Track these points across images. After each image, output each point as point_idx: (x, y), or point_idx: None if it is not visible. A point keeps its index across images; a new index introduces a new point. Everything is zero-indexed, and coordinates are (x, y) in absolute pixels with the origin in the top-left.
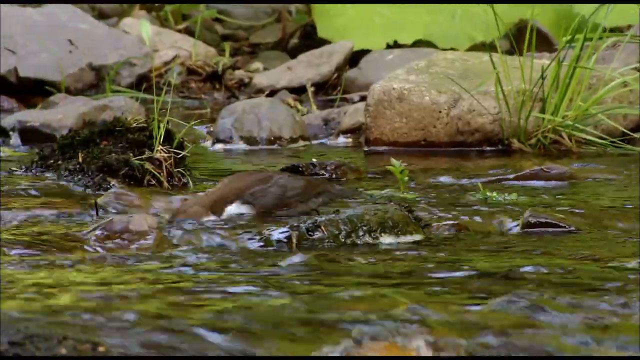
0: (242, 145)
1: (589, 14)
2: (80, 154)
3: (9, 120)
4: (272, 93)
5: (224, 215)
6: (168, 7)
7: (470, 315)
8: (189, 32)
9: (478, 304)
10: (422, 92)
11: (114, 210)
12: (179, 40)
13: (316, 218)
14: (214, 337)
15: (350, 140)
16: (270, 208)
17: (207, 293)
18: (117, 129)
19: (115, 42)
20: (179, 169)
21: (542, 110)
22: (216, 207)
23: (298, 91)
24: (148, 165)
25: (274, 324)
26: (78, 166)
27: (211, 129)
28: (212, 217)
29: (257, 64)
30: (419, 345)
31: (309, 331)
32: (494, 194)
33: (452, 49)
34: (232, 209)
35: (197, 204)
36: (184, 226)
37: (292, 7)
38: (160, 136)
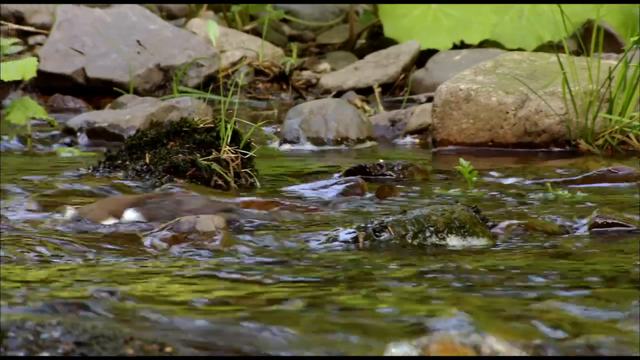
0: (309, 146)
1: None
2: (147, 155)
3: (76, 121)
4: (339, 94)
5: (124, 219)
6: (235, 8)
7: (532, 313)
8: (256, 32)
9: (540, 302)
10: (489, 92)
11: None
12: (246, 41)
13: (383, 219)
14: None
15: (417, 141)
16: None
17: (283, 289)
18: (184, 129)
19: (183, 43)
20: (246, 170)
21: (610, 111)
22: (116, 211)
23: (365, 92)
24: (215, 166)
25: (347, 322)
26: (145, 167)
27: (278, 130)
28: (112, 221)
29: (324, 65)
30: (489, 344)
31: (384, 328)
32: (562, 194)
33: (519, 49)
34: (128, 214)
35: (99, 207)
36: (247, 227)
37: (360, 7)
38: (228, 137)
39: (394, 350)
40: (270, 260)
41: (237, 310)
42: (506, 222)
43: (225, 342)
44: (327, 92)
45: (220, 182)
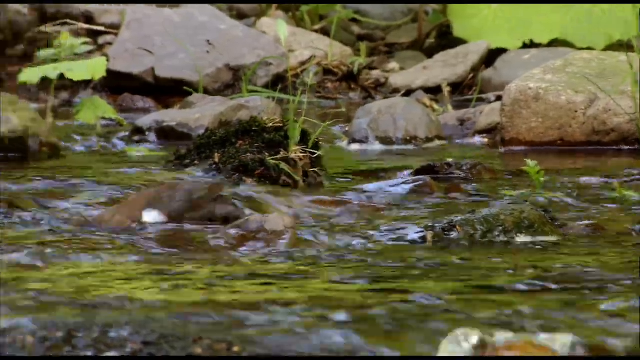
0: (377, 145)
1: None
2: (216, 154)
3: (145, 120)
4: (408, 93)
5: (144, 221)
6: (304, 8)
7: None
8: (325, 32)
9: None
10: (558, 91)
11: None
12: (315, 40)
13: (452, 218)
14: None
15: (486, 140)
16: (182, 212)
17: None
18: (253, 128)
19: (253, 42)
20: (315, 169)
21: None
22: (133, 215)
23: (434, 91)
24: (283, 165)
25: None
26: (214, 166)
27: (347, 129)
28: (133, 225)
29: (393, 64)
30: (564, 343)
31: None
32: (631, 193)
33: (588, 48)
34: (146, 215)
35: (118, 212)
36: (316, 226)
37: (429, 7)
38: (296, 136)
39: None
40: (338, 259)
41: (307, 310)
42: (576, 222)
43: (295, 344)
44: (395, 91)
45: (288, 181)
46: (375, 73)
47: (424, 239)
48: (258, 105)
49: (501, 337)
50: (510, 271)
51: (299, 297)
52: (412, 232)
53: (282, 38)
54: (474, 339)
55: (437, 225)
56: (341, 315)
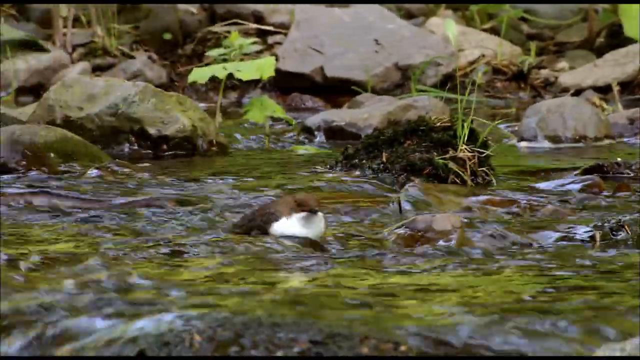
0: (546, 144)
1: None
2: (384, 153)
3: (314, 120)
4: (577, 92)
5: None
6: (474, 7)
7: None
8: (495, 31)
9: None
10: None
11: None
12: (484, 40)
13: (620, 217)
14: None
15: None
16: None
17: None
18: (421, 128)
19: (421, 42)
20: (483, 168)
21: None
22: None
23: (603, 90)
24: (452, 165)
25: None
26: (382, 165)
27: (515, 128)
28: None
29: (562, 63)
30: None
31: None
32: None
33: None
34: None
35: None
36: (484, 226)
37: (599, 6)
38: (464, 135)
39: None
40: (507, 258)
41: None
42: None
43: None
44: (565, 90)
45: (457, 180)
46: (545, 72)
47: (592, 238)
48: (426, 104)
49: None
50: None
51: (474, 298)
52: (581, 231)
53: (451, 37)
54: None
55: (605, 224)
56: (517, 318)
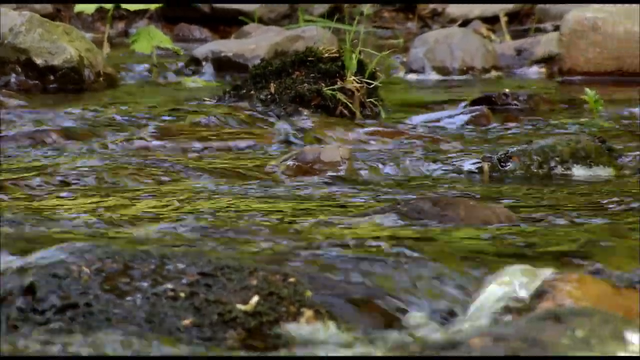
0: (434, 76)
1: None
2: (272, 84)
3: (201, 50)
4: (465, 23)
5: None
6: None
7: None
8: None
9: None
10: (616, 22)
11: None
12: None
13: (508, 149)
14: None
15: (543, 70)
16: None
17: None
18: (309, 59)
19: None
20: (371, 99)
21: None
22: None
23: (491, 21)
24: (340, 96)
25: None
26: (270, 96)
27: (403, 59)
28: None
29: None
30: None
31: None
32: None
33: None
34: None
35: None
36: (373, 157)
37: None
38: (353, 66)
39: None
40: (394, 190)
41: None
42: (633, 152)
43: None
44: (452, 21)
45: (345, 111)
46: (432, 3)
47: (480, 169)
48: (314, 35)
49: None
50: (566, 202)
51: (348, 231)
52: (469, 163)
53: None
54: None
55: (493, 156)
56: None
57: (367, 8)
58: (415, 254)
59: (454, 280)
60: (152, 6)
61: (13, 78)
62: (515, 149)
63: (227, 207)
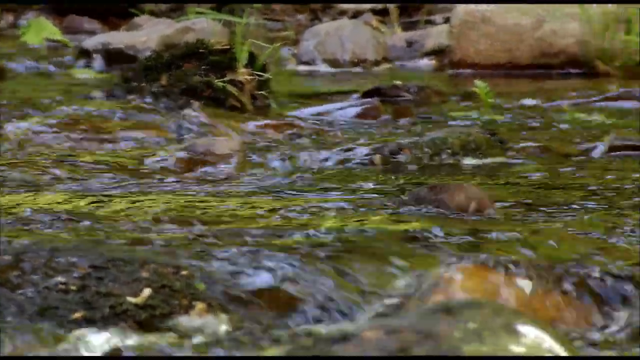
0: (325, 68)
1: None
2: (163, 77)
3: (91, 42)
4: (356, 15)
5: None
6: None
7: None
8: None
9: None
10: (505, 14)
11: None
12: None
13: (399, 141)
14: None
15: (433, 62)
16: None
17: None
18: (200, 51)
19: None
20: (262, 92)
21: (627, 32)
22: None
23: (382, 13)
24: (230, 88)
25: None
26: (162, 89)
27: (294, 52)
28: None
29: None
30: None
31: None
32: (578, 116)
33: None
34: None
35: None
36: (263, 149)
37: None
38: (243, 58)
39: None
40: (285, 180)
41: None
42: (522, 144)
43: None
44: (343, 13)
45: (236, 104)
46: None
47: (371, 162)
48: (204, 27)
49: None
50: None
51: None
52: (360, 155)
53: None
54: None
55: (384, 147)
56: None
57: None
58: (317, 250)
59: (354, 273)
60: None
61: None
62: (406, 140)
63: (113, 201)
